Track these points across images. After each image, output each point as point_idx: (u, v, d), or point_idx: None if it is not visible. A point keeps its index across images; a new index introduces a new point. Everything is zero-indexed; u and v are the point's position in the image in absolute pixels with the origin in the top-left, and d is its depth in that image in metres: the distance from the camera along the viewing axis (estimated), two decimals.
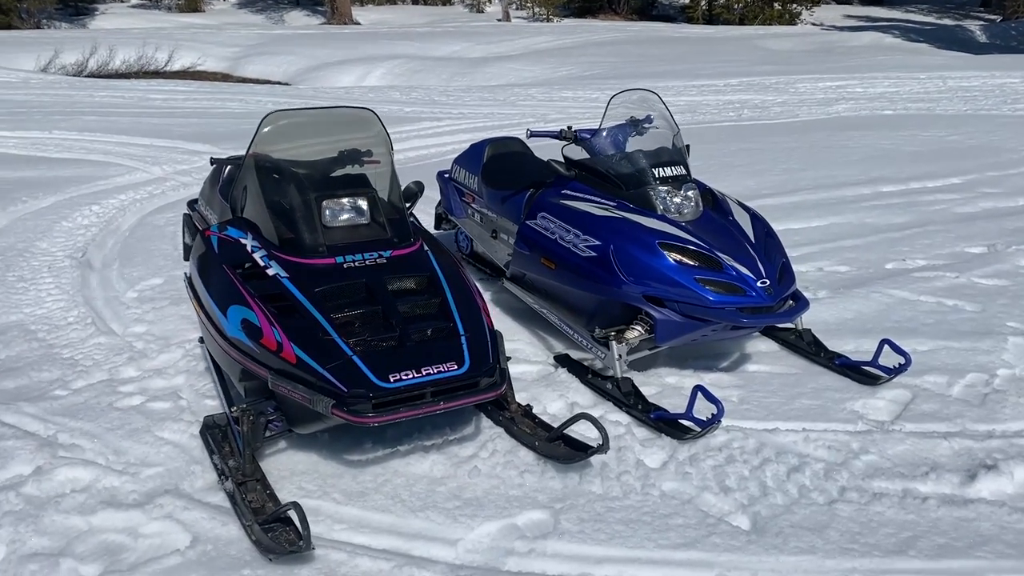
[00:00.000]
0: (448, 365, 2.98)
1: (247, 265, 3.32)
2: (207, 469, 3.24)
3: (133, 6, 37.08)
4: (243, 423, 3.06)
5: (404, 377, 2.89)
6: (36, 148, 10.42)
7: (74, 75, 21.40)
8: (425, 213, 6.38)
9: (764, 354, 4.24)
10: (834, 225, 6.35)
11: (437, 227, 5.82)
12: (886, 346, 3.89)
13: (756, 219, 4.11)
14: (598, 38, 25.80)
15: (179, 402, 3.76)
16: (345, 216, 3.46)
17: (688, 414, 3.46)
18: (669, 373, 4.05)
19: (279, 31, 30.31)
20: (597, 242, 3.91)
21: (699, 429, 3.43)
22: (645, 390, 3.83)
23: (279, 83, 22.04)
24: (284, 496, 3.05)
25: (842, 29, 28.17)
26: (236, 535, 2.86)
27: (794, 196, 7.15)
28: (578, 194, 4.22)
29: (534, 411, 3.62)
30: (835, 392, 3.83)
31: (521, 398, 3.75)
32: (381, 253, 3.40)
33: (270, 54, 24.88)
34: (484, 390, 3.07)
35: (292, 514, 2.76)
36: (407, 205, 3.89)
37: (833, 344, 4.22)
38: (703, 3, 32.49)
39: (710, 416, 3.41)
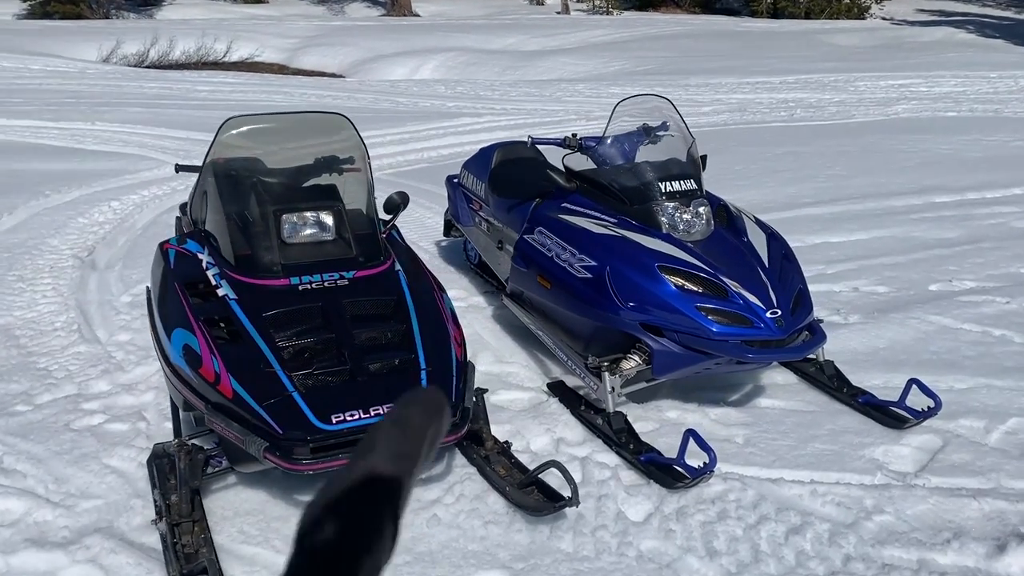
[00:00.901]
0: None
1: (201, 284, 3.06)
2: (148, 504, 2.98)
3: None
4: (181, 459, 2.79)
5: (348, 418, 2.59)
6: (75, 140, 10.38)
7: (134, 65, 21.56)
8: (437, 214, 6.10)
9: (779, 387, 3.85)
10: (877, 239, 5.85)
11: (446, 234, 5.52)
12: (914, 386, 3.48)
13: (773, 239, 3.72)
14: (656, 32, 25.10)
15: (138, 424, 3.52)
16: (307, 232, 3.16)
17: (680, 460, 3.10)
18: (671, 406, 3.68)
19: (338, 22, 30.25)
20: (593, 262, 3.56)
21: (690, 478, 3.08)
22: (641, 426, 3.48)
23: (332, 75, 21.93)
24: (222, 540, 2.79)
25: (913, 24, 27.05)
26: None
27: (837, 205, 6.64)
28: (578, 208, 3.87)
29: (513, 448, 3.30)
30: (854, 436, 3.44)
31: (506, 431, 3.44)
32: (343, 274, 3.09)
33: (327, 45, 24.77)
34: None
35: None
36: (388, 218, 3.59)
37: (859, 378, 3.81)
38: None
39: (702, 464, 3.04)
